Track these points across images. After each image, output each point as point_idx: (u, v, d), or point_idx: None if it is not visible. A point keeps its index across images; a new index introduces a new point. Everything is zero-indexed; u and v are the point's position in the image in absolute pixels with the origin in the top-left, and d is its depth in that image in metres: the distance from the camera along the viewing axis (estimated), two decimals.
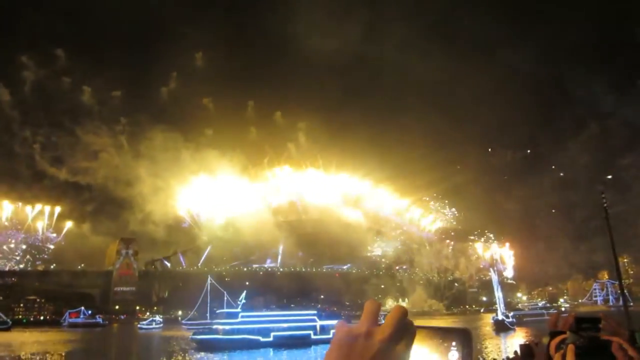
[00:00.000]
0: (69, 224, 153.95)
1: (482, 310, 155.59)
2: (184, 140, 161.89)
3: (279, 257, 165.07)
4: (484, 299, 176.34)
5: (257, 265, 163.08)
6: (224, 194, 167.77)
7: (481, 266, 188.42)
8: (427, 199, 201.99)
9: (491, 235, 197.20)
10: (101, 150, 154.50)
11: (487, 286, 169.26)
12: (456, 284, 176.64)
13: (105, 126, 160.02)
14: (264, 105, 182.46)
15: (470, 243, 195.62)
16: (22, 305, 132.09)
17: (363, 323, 1.40)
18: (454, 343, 1.52)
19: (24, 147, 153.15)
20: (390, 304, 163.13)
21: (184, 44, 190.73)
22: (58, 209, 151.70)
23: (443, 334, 1.53)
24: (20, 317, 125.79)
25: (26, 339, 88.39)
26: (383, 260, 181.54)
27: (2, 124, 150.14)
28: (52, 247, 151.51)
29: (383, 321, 1.39)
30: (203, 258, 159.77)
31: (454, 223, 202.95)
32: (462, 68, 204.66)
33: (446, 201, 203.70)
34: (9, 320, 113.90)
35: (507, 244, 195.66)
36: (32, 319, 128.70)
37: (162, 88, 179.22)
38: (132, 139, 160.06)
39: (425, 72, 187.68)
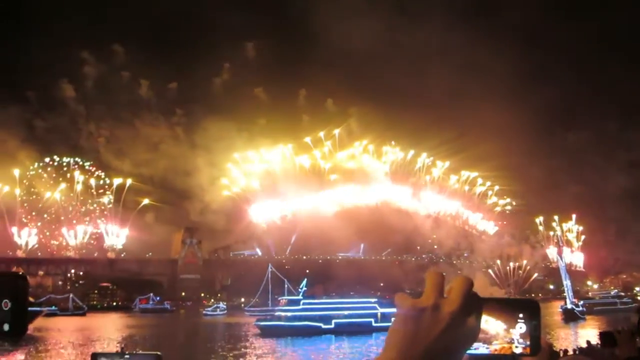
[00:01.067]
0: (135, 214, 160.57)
1: (549, 298, 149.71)
2: (237, 129, 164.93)
3: (338, 246, 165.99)
4: (551, 287, 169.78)
5: (316, 255, 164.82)
6: (278, 182, 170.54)
7: (547, 252, 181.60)
8: (489, 184, 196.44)
9: (556, 218, 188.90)
10: (160, 141, 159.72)
11: (554, 274, 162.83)
12: (520, 272, 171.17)
13: (162, 117, 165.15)
14: (315, 93, 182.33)
15: (535, 228, 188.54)
16: (96, 291, 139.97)
17: (428, 295, 1.33)
18: (521, 315, 1.47)
19: (89, 141, 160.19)
20: None
21: (235, 35, 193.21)
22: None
23: (510, 306, 1.48)
24: (94, 303, 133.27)
25: (101, 324, 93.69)
26: (442, 247, 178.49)
27: (68, 119, 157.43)
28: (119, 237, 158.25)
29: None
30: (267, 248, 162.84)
31: (515, 206, 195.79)
32: (518, 47, 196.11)
33: (497, 187, 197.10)
34: (84, 306, 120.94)
35: (576, 227, 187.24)
36: (105, 304, 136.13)
37: (215, 79, 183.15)
38: (187, 129, 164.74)
39: (482, 54, 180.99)
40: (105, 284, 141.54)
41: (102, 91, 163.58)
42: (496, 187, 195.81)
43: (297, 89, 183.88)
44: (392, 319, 1.35)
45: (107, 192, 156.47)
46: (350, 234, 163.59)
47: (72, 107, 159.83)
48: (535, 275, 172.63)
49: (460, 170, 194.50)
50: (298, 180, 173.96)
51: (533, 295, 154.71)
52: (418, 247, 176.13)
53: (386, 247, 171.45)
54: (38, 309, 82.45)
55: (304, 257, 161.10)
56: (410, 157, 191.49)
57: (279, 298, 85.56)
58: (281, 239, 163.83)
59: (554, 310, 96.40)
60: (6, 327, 1.33)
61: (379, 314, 71.65)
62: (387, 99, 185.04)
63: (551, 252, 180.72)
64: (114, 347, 57.20)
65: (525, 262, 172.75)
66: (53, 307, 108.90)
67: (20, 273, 1.44)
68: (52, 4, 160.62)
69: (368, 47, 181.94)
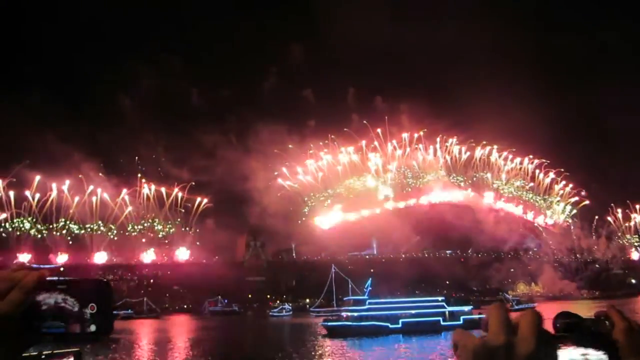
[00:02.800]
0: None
1: (631, 293, 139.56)
2: (288, 132, 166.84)
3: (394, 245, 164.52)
4: (633, 281, 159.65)
5: (376, 254, 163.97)
6: (332, 183, 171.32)
7: (625, 244, 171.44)
8: (555, 176, 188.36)
9: (638, 208, 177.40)
10: (214, 147, 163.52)
11: (635, 268, 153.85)
12: (597, 265, 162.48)
13: (215, 124, 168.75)
14: (363, 92, 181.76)
15: (609, 217, 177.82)
16: (167, 295, 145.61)
17: (497, 333, 1.18)
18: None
19: (148, 150, 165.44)
20: (522, 288, 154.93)
21: (280, 37, 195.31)
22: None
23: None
24: (166, 306, 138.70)
25: (175, 325, 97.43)
26: (506, 242, 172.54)
27: (127, 130, 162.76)
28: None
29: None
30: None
31: (586, 196, 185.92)
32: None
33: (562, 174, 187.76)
34: (158, 309, 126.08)
35: None
36: (177, 307, 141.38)
37: (263, 82, 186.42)
38: (239, 134, 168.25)
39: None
40: (175, 288, 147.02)
41: (155, 101, 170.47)
42: (562, 182, 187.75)
43: (345, 88, 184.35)
44: (456, 357, 1.21)
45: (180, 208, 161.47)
46: (409, 232, 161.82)
47: (129, 118, 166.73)
48: (613, 269, 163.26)
49: (523, 159, 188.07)
50: (352, 178, 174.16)
51: (612, 291, 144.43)
52: (480, 243, 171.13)
53: (447, 244, 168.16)
54: (115, 312, 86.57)
55: (367, 257, 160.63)
56: (469, 150, 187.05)
57: (344, 298, 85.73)
58: (342, 239, 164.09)
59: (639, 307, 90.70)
60: (92, 327, 1.44)
61: (446, 313, 70.37)
62: (436, 91, 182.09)
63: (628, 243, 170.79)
64: (187, 347, 59.49)
65: (600, 255, 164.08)
66: (129, 310, 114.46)
67: (105, 279, 1.55)
68: (99, 20, 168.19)
69: (412, 42, 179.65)
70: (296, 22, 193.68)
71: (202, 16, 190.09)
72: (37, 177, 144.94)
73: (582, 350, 1.23)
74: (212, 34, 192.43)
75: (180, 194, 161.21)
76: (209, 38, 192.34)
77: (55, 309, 1.39)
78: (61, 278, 1.42)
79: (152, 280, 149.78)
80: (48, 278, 1.40)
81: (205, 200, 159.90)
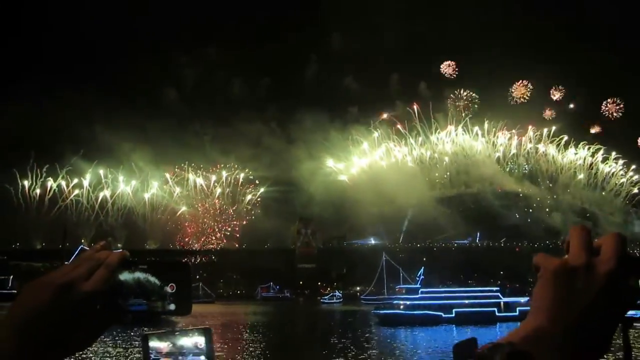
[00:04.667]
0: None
1: None
2: (330, 120, 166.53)
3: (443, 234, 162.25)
4: None
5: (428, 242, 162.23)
6: (377, 172, 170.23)
7: None
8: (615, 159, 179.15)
9: None
10: (259, 137, 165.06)
11: None
12: None
13: (257, 113, 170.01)
14: (406, 78, 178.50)
15: None
16: (222, 281, 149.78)
17: (578, 254, 1.17)
18: None
19: (196, 140, 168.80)
20: None
21: (319, 25, 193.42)
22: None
23: None
24: (221, 291, 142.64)
25: (230, 310, 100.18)
26: (562, 231, 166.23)
27: (175, 120, 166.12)
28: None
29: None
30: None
31: None
32: None
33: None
34: (213, 294, 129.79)
35: None
36: (230, 293, 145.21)
37: (305, 71, 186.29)
38: (281, 124, 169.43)
39: None
40: (229, 274, 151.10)
41: (200, 92, 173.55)
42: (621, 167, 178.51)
43: (388, 75, 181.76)
44: (538, 280, 1.19)
45: (249, 191, 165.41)
46: (459, 220, 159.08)
47: (176, 108, 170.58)
48: None
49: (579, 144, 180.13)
50: (399, 168, 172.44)
51: None
52: (533, 233, 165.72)
53: (499, 233, 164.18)
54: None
55: (418, 245, 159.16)
56: (519, 137, 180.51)
57: (397, 287, 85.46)
58: (392, 226, 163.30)
59: None
60: (172, 306, 1.51)
61: (501, 304, 69.07)
62: (480, 76, 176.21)
63: None
64: (246, 330, 61.18)
65: None
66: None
67: (184, 261, 1.61)
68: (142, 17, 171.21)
69: (458, 26, 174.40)
70: (333, 12, 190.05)
71: (240, 5, 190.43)
72: (92, 167, 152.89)
73: None
74: (251, 24, 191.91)
75: (231, 181, 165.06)
76: (247, 28, 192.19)
77: (137, 286, 1.45)
78: (142, 259, 1.50)
79: (210, 264, 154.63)
80: (130, 259, 1.47)
81: (261, 190, 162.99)
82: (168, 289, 1.49)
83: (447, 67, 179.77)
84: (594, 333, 1.13)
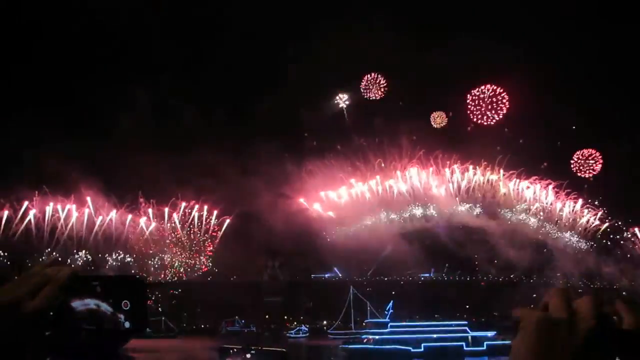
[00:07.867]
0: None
1: None
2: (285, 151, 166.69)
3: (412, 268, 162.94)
4: None
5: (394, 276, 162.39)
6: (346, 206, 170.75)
7: None
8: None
9: None
10: (220, 168, 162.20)
11: None
12: (623, 293, 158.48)
13: (213, 143, 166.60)
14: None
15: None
16: (185, 314, 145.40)
17: (560, 310, 1.21)
18: None
19: (152, 172, 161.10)
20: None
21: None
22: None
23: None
24: (184, 325, 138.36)
25: (193, 345, 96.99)
26: (522, 265, 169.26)
27: (128, 148, 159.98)
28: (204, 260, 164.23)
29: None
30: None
31: (608, 219, 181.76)
32: None
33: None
34: (175, 328, 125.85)
35: None
36: (194, 327, 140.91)
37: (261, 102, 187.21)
38: (238, 154, 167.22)
39: None
40: (193, 307, 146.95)
41: (153, 119, 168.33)
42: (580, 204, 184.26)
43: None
44: (519, 332, 1.21)
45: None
46: (420, 255, 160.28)
47: (129, 136, 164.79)
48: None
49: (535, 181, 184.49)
50: (361, 203, 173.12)
51: None
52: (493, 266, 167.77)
53: (457, 268, 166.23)
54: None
55: (385, 279, 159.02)
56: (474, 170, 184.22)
57: (365, 321, 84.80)
58: (359, 260, 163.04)
59: None
60: (127, 324, 1.43)
61: (469, 338, 69.25)
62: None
63: None
64: None
65: (624, 281, 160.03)
66: (147, 329, 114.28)
67: (138, 276, 1.55)
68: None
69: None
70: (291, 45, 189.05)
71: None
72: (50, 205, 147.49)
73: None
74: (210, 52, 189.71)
75: (196, 214, 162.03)
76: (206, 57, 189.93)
77: (89, 314, 1.37)
78: (94, 275, 1.44)
79: (173, 301, 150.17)
80: (80, 275, 1.38)
81: (227, 221, 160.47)
82: (122, 309, 1.41)
83: None
84: None
